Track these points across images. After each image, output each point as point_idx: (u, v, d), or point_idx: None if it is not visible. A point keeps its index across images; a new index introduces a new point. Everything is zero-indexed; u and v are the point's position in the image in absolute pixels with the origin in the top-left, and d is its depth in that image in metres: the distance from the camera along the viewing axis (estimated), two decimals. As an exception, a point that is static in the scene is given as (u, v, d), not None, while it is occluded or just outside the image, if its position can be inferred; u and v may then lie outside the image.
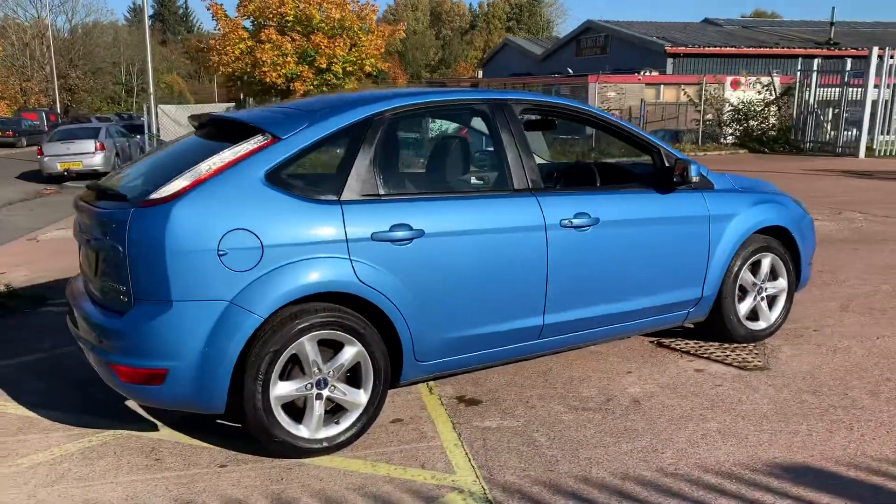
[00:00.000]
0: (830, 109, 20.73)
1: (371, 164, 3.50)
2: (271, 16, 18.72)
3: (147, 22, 19.53)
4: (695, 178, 4.21)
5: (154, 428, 3.78)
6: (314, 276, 3.27)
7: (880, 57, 19.00)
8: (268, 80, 18.09)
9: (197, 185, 3.16)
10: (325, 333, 3.34)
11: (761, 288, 4.75)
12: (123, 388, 3.25)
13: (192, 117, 4.06)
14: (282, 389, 3.30)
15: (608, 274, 4.07)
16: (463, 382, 4.25)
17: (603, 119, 4.32)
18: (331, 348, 3.41)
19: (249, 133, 3.42)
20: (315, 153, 3.46)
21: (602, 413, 3.82)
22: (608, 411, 3.84)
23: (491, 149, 3.90)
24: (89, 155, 19.22)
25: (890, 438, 3.47)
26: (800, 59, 33.82)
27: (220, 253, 3.11)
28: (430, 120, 4.25)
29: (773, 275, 4.80)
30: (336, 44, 18.30)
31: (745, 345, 4.75)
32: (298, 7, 18.62)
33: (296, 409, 3.40)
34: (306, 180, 3.54)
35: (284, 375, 3.32)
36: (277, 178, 3.30)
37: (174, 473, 3.31)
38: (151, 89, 19.56)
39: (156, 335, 3.11)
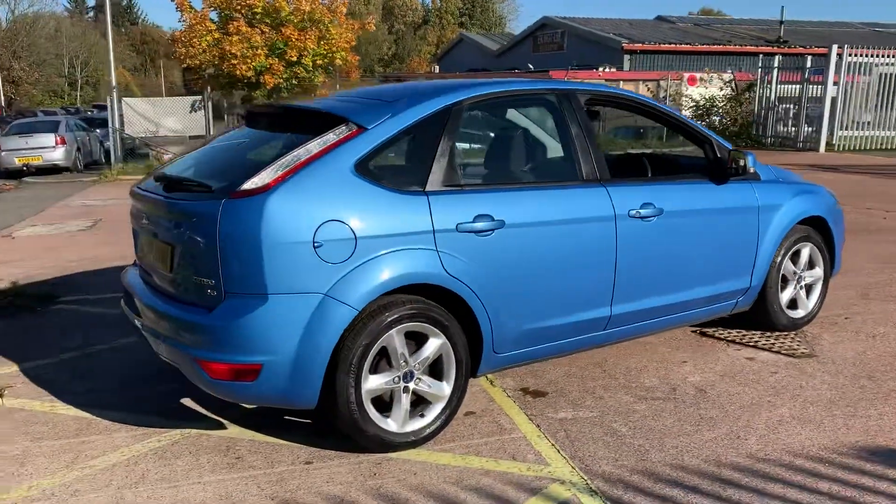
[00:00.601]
0: (791, 105, 21.31)
1: (452, 154, 3.46)
2: (239, 7, 18.37)
3: (109, 16, 18.97)
4: (752, 169, 4.27)
5: (221, 426, 3.68)
6: (405, 267, 3.22)
7: (839, 55, 19.60)
8: (238, 72, 17.75)
9: (290, 175, 3.07)
10: (412, 326, 3.29)
11: (800, 277, 4.84)
12: (210, 385, 3.15)
13: (250, 107, 3.95)
14: (372, 383, 3.24)
15: (669, 264, 4.11)
16: (522, 375, 4.24)
17: (660, 110, 4.35)
18: (413, 341, 3.36)
19: (331, 123, 3.34)
20: (396, 143, 3.39)
21: (672, 402, 3.85)
22: (677, 400, 3.87)
23: (560, 139, 3.88)
24: (49, 149, 18.56)
25: (958, 420, 3.58)
26: (751, 56, 34.67)
27: (316, 244, 3.04)
28: (503, 110, 4.20)
29: (811, 264, 4.90)
30: (307, 36, 18.06)
31: (785, 333, 4.84)
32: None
33: (381, 404, 3.34)
34: (390, 171, 3.47)
35: (373, 369, 3.26)
36: (366, 169, 3.23)
37: (260, 472, 3.22)
38: (114, 82, 19.02)
39: (250, 329, 3.02)
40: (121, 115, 19.12)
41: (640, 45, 37.33)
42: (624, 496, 2.97)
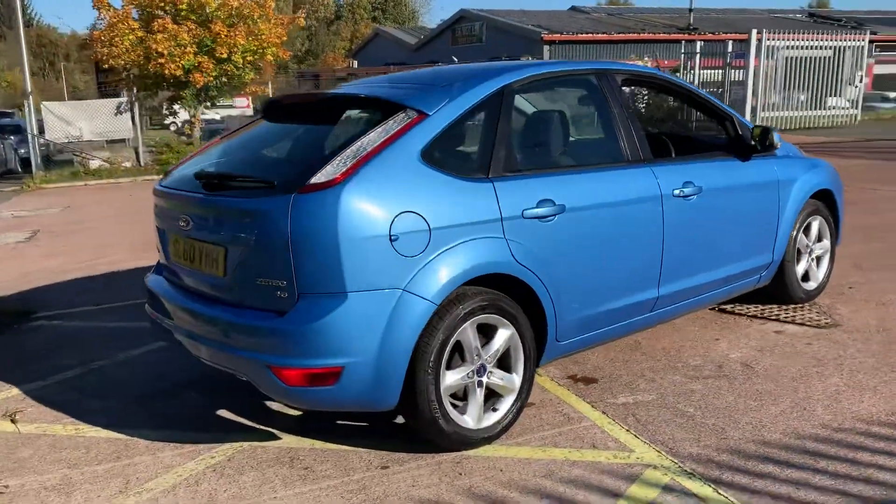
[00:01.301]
0: (714, 89, 22.00)
1: (510, 137, 3.35)
2: (162, 4, 17.60)
3: (20, 18, 17.90)
4: (778, 145, 4.32)
5: (273, 437, 3.47)
6: (478, 257, 3.09)
7: (759, 40, 20.36)
8: (166, 71, 16.99)
9: (360, 166, 2.90)
10: (483, 318, 3.17)
11: (811, 249, 4.95)
12: (285, 393, 2.94)
13: (278, 98, 3.72)
14: (449, 379, 3.11)
15: (708, 242, 4.11)
16: (564, 363, 4.17)
17: (687, 89, 4.34)
18: (481, 334, 3.24)
19: (388, 110, 3.18)
20: (457, 129, 3.26)
21: (724, 379, 3.85)
22: (728, 377, 3.88)
23: (604, 119, 3.82)
24: (-39, 158, 17.42)
25: None
26: (665, 44, 35.66)
27: (392, 237, 2.88)
28: (549, 91, 4.11)
29: (819, 237, 5.01)
30: (236, 32, 17.47)
31: (801, 305, 4.93)
32: (191, -5, 17.67)
33: (456, 400, 3.22)
34: (454, 158, 3.33)
35: (447, 365, 3.12)
36: (431, 157, 3.08)
37: (337, 481, 3.04)
38: (29, 88, 17.99)
39: (331, 331, 2.83)
40: (39, 121, 18.08)
41: (559, 35, 37.87)
42: (722, 476, 2.93)
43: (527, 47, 37.30)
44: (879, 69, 36.65)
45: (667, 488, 2.87)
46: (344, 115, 3.40)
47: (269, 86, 20.55)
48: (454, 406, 3.19)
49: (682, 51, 23.76)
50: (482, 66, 3.63)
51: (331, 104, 3.53)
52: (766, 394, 3.65)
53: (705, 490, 2.84)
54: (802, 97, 23.47)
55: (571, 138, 3.93)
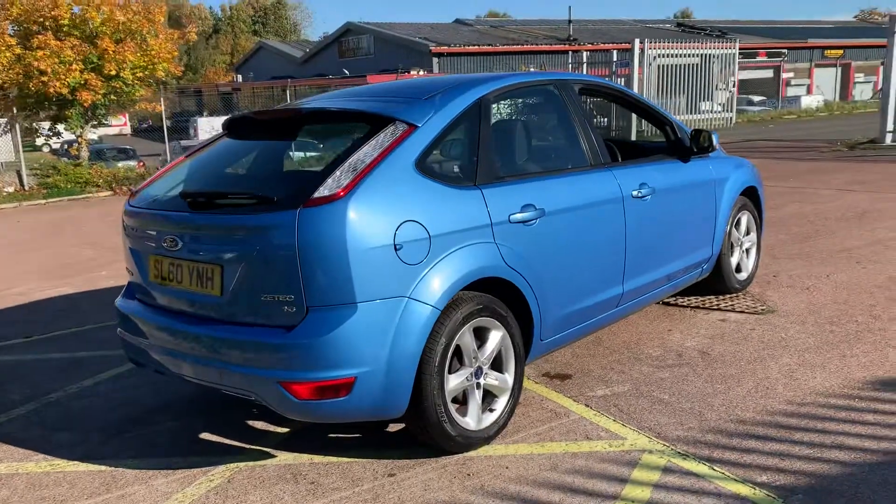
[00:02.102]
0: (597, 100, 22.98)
1: (491, 146, 3.47)
2: (42, 20, 16.70)
3: None
4: (716, 146, 4.64)
5: (267, 455, 3.43)
6: (475, 262, 3.20)
7: (641, 49, 21.47)
8: (50, 90, 16.11)
9: (361, 179, 2.94)
10: (479, 321, 3.27)
11: (742, 242, 5.33)
12: (297, 407, 2.93)
13: (250, 114, 3.68)
14: (452, 383, 3.19)
15: (662, 239, 4.38)
16: (537, 363, 4.31)
17: (634, 98, 4.60)
18: (475, 336, 3.34)
19: (377, 124, 3.24)
20: (445, 139, 3.35)
21: (688, 367, 4.11)
22: (691, 364, 4.14)
23: (568, 126, 4.01)
24: None
25: (924, 348, 4.15)
26: (548, 55, 36.90)
27: (397, 247, 2.94)
28: (520, 101, 4.25)
29: (747, 230, 5.40)
30: (125, 48, 16.79)
31: (735, 294, 5.30)
32: (74, 10, 16.84)
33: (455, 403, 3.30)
34: (443, 167, 3.41)
35: (449, 369, 3.20)
36: (425, 167, 3.17)
37: (348, 492, 3.06)
38: None
39: (343, 342, 2.85)
40: None
41: (447, 47, 38.52)
42: (713, 454, 3.15)
43: (416, 60, 37.73)
44: (742, 75, 39.40)
45: (667, 470, 3.05)
46: (325, 129, 3.43)
47: (162, 102, 19.81)
48: (454, 409, 3.26)
49: (570, 61, 24.74)
50: (455, 79, 3.74)
51: (310, 119, 3.54)
52: (729, 377, 3.93)
53: (702, 468, 3.04)
54: (679, 102, 24.97)
55: (542, 145, 4.10)
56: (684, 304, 5.21)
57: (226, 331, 3.06)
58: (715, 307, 5.09)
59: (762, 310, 4.97)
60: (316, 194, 2.88)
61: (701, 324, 4.80)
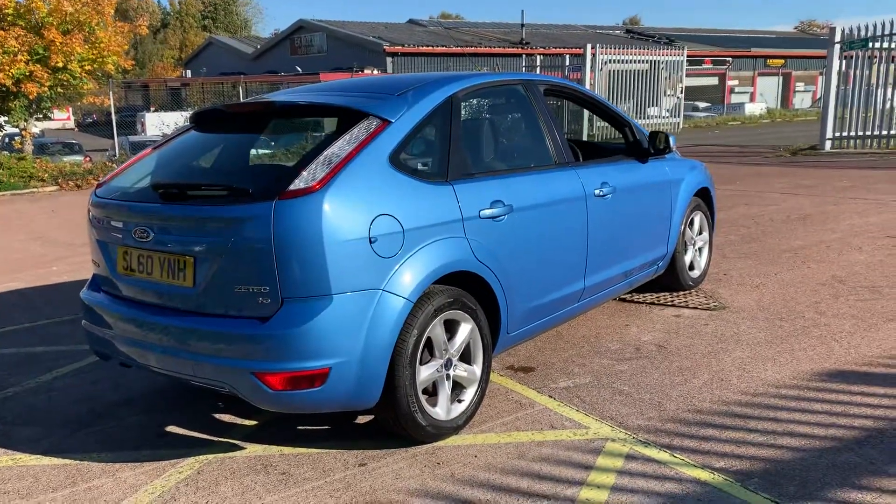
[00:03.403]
0: (553, 100, 23.28)
1: (461, 143, 3.55)
2: (-16, 9, 16.22)
3: None
4: (673, 148, 4.81)
5: (236, 447, 3.44)
6: (446, 256, 3.27)
7: (593, 54, 21.86)
8: (-8, 82, 15.65)
9: (337, 172, 2.99)
10: (450, 314, 3.34)
11: (695, 241, 5.52)
12: (271, 398, 2.96)
13: (221, 107, 3.69)
14: (423, 374, 3.26)
15: (621, 236, 4.52)
16: (501, 355, 4.41)
17: (595, 99, 4.73)
18: (445, 329, 3.42)
19: (351, 118, 3.29)
20: (417, 135, 3.42)
21: (646, 359, 4.25)
22: (648, 357, 4.28)
23: (533, 126, 4.11)
24: None
25: (867, 341, 4.36)
26: (501, 57, 37.22)
27: (372, 239, 2.99)
28: (489, 99, 4.32)
29: (700, 229, 5.59)
30: (73, 40, 16.41)
31: (688, 291, 5.49)
32: (18, 0, 16.39)
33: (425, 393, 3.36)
34: (416, 163, 3.47)
35: (420, 360, 3.27)
36: (398, 162, 3.23)
37: (320, 482, 3.10)
38: None
39: (318, 333, 2.90)
40: None
41: (401, 47, 38.52)
42: (673, 442, 3.28)
43: (369, 59, 37.64)
44: (689, 81, 40.43)
45: (629, 457, 3.17)
46: (297, 123, 3.46)
47: (111, 96, 19.39)
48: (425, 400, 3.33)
49: (524, 64, 25.04)
50: (426, 76, 3.80)
51: (282, 112, 3.57)
52: (686, 370, 4.08)
53: (663, 455, 3.17)
54: (626, 106, 25.48)
55: (509, 143, 4.19)
56: (640, 300, 5.37)
57: (198, 322, 3.07)
58: (670, 303, 5.26)
59: (714, 306, 5.15)
60: (292, 187, 2.92)
61: (657, 319, 4.96)
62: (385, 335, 3.03)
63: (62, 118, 54.28)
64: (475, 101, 4.20)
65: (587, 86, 21.86)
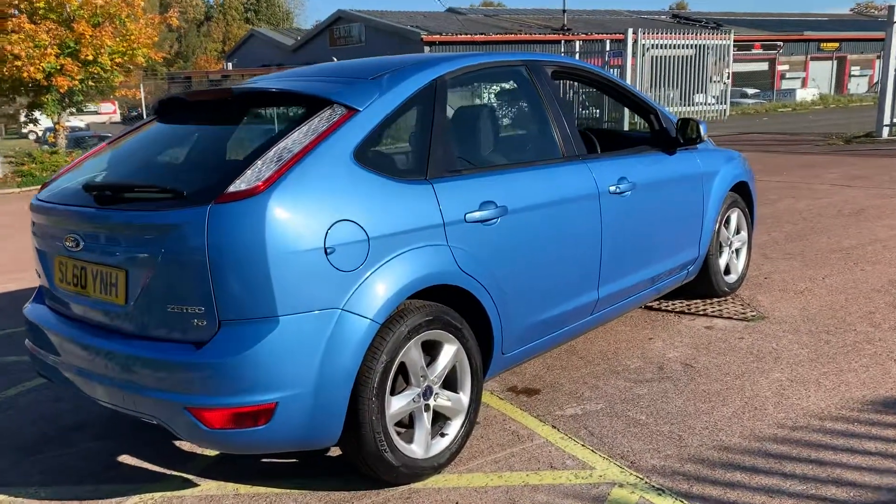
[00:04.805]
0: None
1: (446, 135, 3.06)
2: (17, 2, 16.17)
3: None
4: (704, 137, 4.24)
5: (189, 484, 3.02)
6: (423, 268, 2.79)
7: (634, 40, 21.04)
8: (24, 75, 15.61)
9: (288, 170, 2.52)
10: (429, 334, 2.86)
11: (731, 242, 4.93)
12: (208, 437, 2.52)
13: (178, 96, 3.24)
14: (395, 406, 2.78)
15: (643, 239, 3.98)
16: (503, 375, 3.91)
17: (614, 82, 4.18)
18: (424, 351, 2.94)
19: (312, 107, 2.82)
20: (390, 126, 2.93)
21: (669, 381, 3.71)
22: (672, 379, 3.74)
23: (538, 114, 3.60)
24: None
25: (929, 362, 3.75)
26: (541, 45, 36.44)
27: (328, 250, 2.52)
28: (482, 84, 3.83)
29: (737, 228, 5.00)
30: (103, 33, 16.29)
31: (723, 298, 4.91)
32: (50, -9, 16.33)
33: (400, 428, 2.89)
34: (388, 158, 3.00)
35: (391, 390, 2.80)
36: (365, 157, 2.75)
37: (272, 532, 2.65)
38: None
39: (261, 362, 2.44)
40: None
41: (439, 36, 37.93)
42: (692, 489, 2.75)
43: (407, 48, 37.17)
44: (737, 67, 39.02)
45: (639, 508, 2.66)
46: (258, 113, 3.01)
47: (142, 89, 19.29)
48: (399, 435, 2.86)
49: (563, 50, 24.24)
50: (410, 57, 3.32)
51: (241, 101, 3.11)
52: (714, 394, 3.53)
53: (679, 507, 2.65)
54: (672, 94, 24.55)
55: (506, 134, 3.69)
56: (668, 308, 4.81)
57: (128, 345, 2.64)
58: (701, 312, 4.69)
59: (752, 316, 4.57)
60: (231, 188, 2.46)
61: (685, 331, 4.40)
62: (345, 363, 2.56)
63: (109, 112, 55.11)
64: (466, 86, 3.69)
65: (628, 72, 21.07)
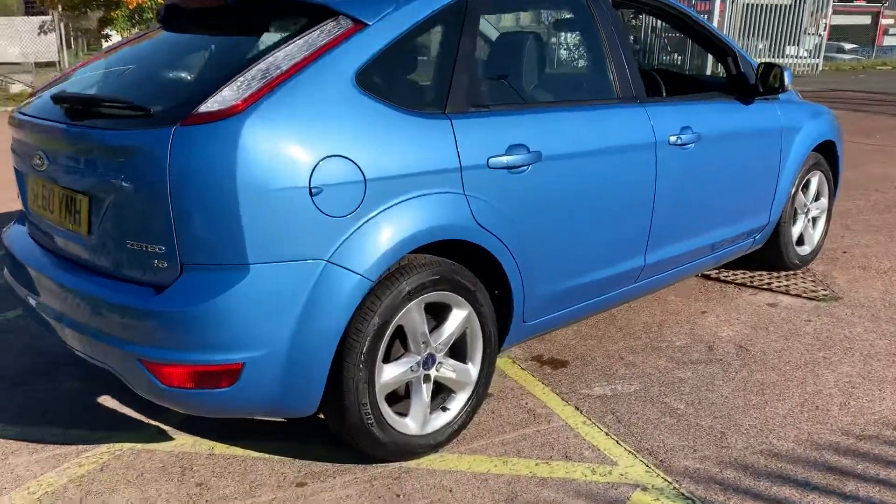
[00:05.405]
0: (674, 33, 21.30)
1: (474, 62, 2.60)
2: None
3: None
4: (788, 87, 3.64)
5: (164, 436, 2.74)
6: (430, 218, 2.37)
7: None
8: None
9: (270, 90, 2.12)
10: (434, 296, 2.46)
11: (808, 209, 4.34)
12: (164, 395, 2.20)
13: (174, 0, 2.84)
14: (387, 375, 2.41)
15: (704, 199, 3.46)
16: (529, 341, 3.50)
17: (685, 14, 3.60)
18: (430, 314, 2.54)
19: (314, 17, 2.38)
20: (406, 47, 2.48)
21: (717, 364, 3.24)
22: (722, 362, 3.27)
23: (591, 45, 3.09)
24: None
25: None
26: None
27: (313, 190, 2.12)
28: (525, 8, 3.33)
29: (817, 194, 4.40)
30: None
31: (793, 272, 4.35)
32: None
33: (393, 398, 2.52)
34: (400, 85, 2.56)
35: (386, 357, 2.42)
36: (370, 82, 2.31)
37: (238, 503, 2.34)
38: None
39: (225, 315, 2.09)
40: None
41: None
42: (728, 502, 2.31)
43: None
44: (836, 20, 36.46)
45: (661, 521, 2.25)
46: (258, 24, 2.59)
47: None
48: (392, 407, 2.50)
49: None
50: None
51: (238, 9, 2.68)
52: (769, 385, 3.05)
53: (710, 524, 2.22)
54: (761, 45, 23.00)
55: (552, 68, 3.19)
56: (727, 279, 4.29)
57: (90, 283, 2.32)
58: (765, 286, 4.16)
59: (824, 295, 4.02)
60: (202, 108, 2.07)
61: (744, 307, 3.88)
62: (327, 323, 2.19)
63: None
64: (506, 11, 3.18)
65: (715, 19, 19.78)
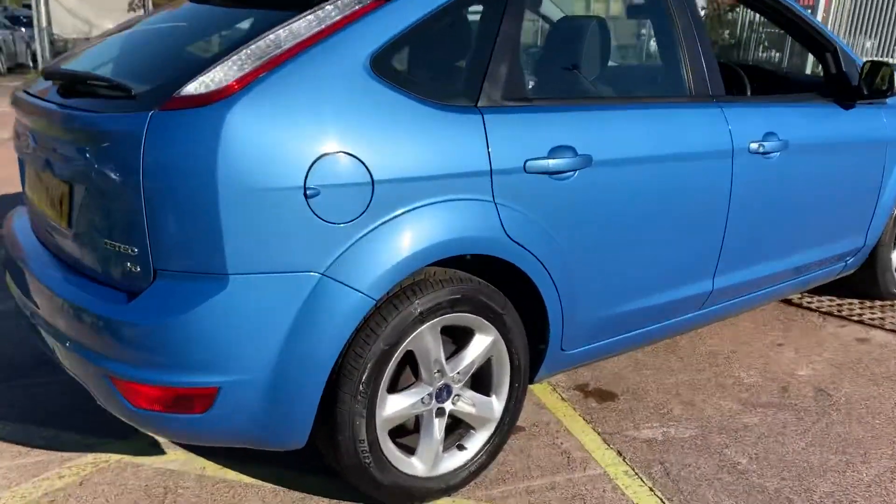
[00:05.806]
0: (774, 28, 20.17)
1: (517, 49, 2.22)
2: None
3: None
4: (898, 90, 3.13)
5: (156, 450, 2.50)
6: (449, 230, 2.02)
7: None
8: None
9: (265, 73, 1.81)
10: (452, 318, 2.12)
11: (912, 232, 3.79)
12: (135, 417, 1.94)
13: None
14: (392, 407, 2.08)
15: (787, 217, 3.00)
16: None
17: (780, 4, 3.12)
18: (448, 337, 2.20)
19: (327, -11, 2.06)
20: (432, 29, 2.13)
21: (791, 411, 2.79)
22: (796, 408, 2.81)
23: (660, 34, 2.68)
24: (-36, 49, 16.43)
25: None
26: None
27: (309, 192, 1.80)
28: None
29: (923, 215, 3.83)
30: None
31: (889, 303, 3.81)
32: None
33: (399, 432, 2.20)
34: (423, 73, 2.22)
35: (391, 385, 2.09)
36: (387, 67, 1.97)
37: (216, 541, 2.06)
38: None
39: (198, 332, 1.80)
40: (48, 12, 16.99)
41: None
42: None
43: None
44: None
45: None
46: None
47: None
48: (400, 439, 2.17)
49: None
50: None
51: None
52: (853, 443, 2.59)
53: None
54: (868, 44, 21.58)
55: (609, 60, 2.77)
56: (811, 305, 3.79)
57: (66, 282, 2.07)
58: (855, 318, 3.64)
59: (926, 333, 3.48)
60: (185, 91, 1.78)
61: (829, 341, 3.39)
62: (319, 347, 1.88)
63: None
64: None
65: (819, 12, 18.57)
